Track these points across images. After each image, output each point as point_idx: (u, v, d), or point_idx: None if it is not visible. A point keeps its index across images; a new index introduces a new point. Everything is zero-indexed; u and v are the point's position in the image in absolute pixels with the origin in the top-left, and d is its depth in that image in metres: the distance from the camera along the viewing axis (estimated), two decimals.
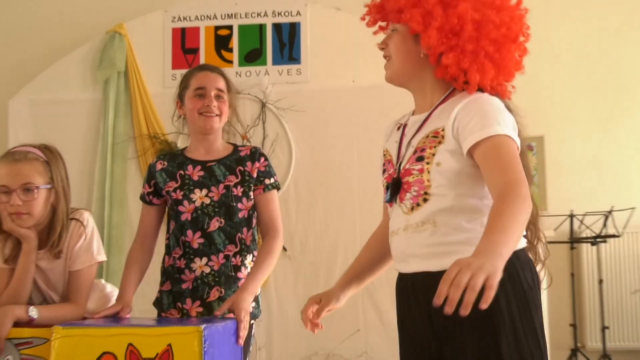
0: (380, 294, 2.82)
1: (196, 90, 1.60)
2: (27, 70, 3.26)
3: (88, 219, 1.55)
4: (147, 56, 3.12)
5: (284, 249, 2.82)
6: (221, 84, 1.65)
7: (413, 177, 1.09)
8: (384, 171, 1.20)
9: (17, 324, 1.36)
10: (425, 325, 1.08)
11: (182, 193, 1.59)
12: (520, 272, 1.02)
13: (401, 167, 1.12)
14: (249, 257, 1.62)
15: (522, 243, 1.06)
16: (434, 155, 1.06)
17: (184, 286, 1.58)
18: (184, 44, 3.12)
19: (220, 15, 3.13)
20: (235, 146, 1.70)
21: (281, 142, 3.02)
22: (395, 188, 1.12)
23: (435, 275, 0.89)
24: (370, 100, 2.92)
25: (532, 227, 1.09)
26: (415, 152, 1.10)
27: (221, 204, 1.58)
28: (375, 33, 1.23)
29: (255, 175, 1.61)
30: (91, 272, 1.56)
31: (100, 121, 3.11)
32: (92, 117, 3.13)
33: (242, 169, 1.61)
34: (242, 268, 1.59)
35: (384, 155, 1.22)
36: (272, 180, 1.64)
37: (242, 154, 1.65)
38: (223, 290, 1.56)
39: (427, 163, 1.06)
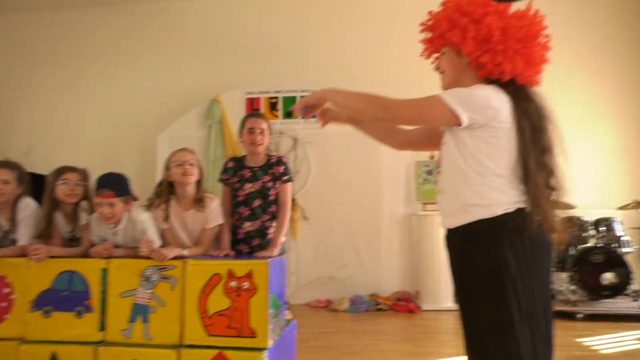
0: (357, 244, 5.17)
1: (249, 129, 2.52)
2: (167, 118, 5.88)
3: (216, 199, 2.41)
4: (232, 112, 5.64)
5: (306, 217, 5.30)
6: (264, 125, 2.55)
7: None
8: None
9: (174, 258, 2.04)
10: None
11: (239, 185, 2.55)
12: (496, 239, 1.28)
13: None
14: (274, 222, 2.54)
15: (499, 211, 1.30)
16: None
17: (239, 237, 2.52)
18: (252, 106, 5.69)
19: (272, 91, 5.69)
20: (269, 157, 2.59)
21: (305, 161, 5.47)
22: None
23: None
24: (354, 137, 5.32)
25: (537, 207, 1.29)
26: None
27: (260, 191, 2.54)
28: (432, 63, 1.53)
29: (278, 174, 2.55)
30: (214, 230, 2.39)
31: (207, 148, 5.69)
32: (202, 145, 5.70)
33: (272, 171, 2.55)
34: (270, 228, 2.53)
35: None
36: (287, 177, 2.56)
37: (272, 160, 2.57)
38: (260, 240, 2.52)
39: None
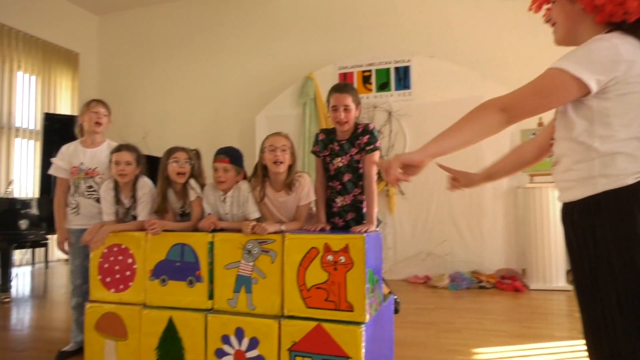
0: (458, 219, 5.01)
1: (332, 107, 2.43)
2: (264, 98, 6.12)
3: (306, 176, 2.44)
4: (325, 89, 5.64)
5: (402, 192, 5.22)
6: (347, 101, 2.39)
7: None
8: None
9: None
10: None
11: (329, 158, 2.50)
12: (625, 212, 1.11)
13: None
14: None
15: (629, 180, 1.11)
16: None
17: (334, 210, 2.52)
18: (345, 81, 5.66)
19: (365, 64, 5.61)
20: (357, 126, 2.47)
21: (400, 134, 5.37)
22: None
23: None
24: (450, 108, 5.11)
25: None
26: None
27: (349, 165, 2.46)
28: (544, 16, 1.35)
29: (363, 144, 2.43)
30: (309, 205, 2.46)
31: (302, 125, 5.82)
32: (298, 123, 5.84)
33: (358, 142, 2.43)
34: (364, 202, 2.48)
35: None
36: (371, 146, 2.42)
37: (358, 131, 2.45)
38: (354, 214, 2.49)
39: None
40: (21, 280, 5.42)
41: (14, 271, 5.40)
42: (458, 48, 5.54)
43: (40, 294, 4.72)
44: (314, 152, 2.57)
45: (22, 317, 3.72)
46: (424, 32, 5.74)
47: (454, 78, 5.20)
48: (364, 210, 2.48)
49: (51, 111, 6.53)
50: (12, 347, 2.91)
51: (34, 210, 4.62)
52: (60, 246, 2.70)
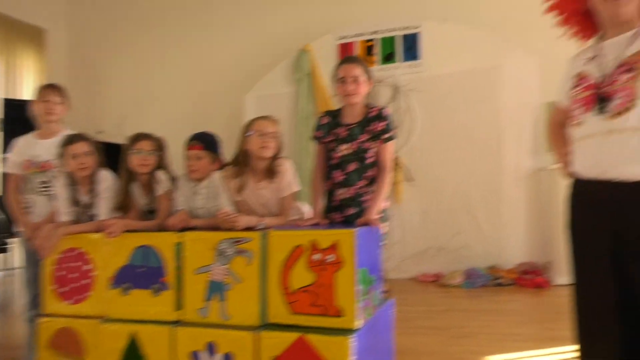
0: (474, 207, 4.92)
1: (340, 79, 2.38)
2: (253, 76, 6.01)
3: (287, 163, 2.35)
4: (324, 63, 5.55)
5: (411, 179, 5.11)
6: (357, 72, 2.35)
7: (617, 86, 1.34)
8: (576, 87, 1.49)
9: (248, 228, 2.08)
10: (605, 227, 1.36)
11: (334, 145, 2.42)
12: None
13: (604, 81, 1.37)
14: (371, 188, 2.38)
15: None
16: None
17: (333, 204, 2.44)
18: (346, 53, 5.53)
19: (367, 32, 5.48)
20: (369, 109, 2.41)
21: (409, 112, 5.22)
22: (601, 97, 1.37)
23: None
24: (467, 80, 5.00)
25: None
26: (622, 65, 1.37)
27: (356, 153, 2.38)
28: None
29: (378, 131, 2.37)
30: (293, 197, 2.34)
31: (296, 105, 5.70)
32: (291, 102, 5.72)
33: (370, 128, 2.38)
34: (366, 195, 2.38)
35: (576, 76, 1.51)
36: (388, 134, 2.38)
37: (371, 114, 2.39)
38: (355, 209, 2.38)
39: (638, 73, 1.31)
40: None
41: None
42: (475, 10, 5.33)
43: None
44: (315, 138, 2.50)
45: None
46: None
47: (471, 45, 5.04)
48: (366, 204, 2.38)
49: (15, 96, 6.46)
50: None
51: None
52: (30, 243, 2.61)
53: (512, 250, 4.76)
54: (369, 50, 5.47)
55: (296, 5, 6.12)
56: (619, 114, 1.34)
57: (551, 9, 1.56)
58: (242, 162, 2.35)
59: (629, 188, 1.34)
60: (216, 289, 2.02)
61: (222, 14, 6.52)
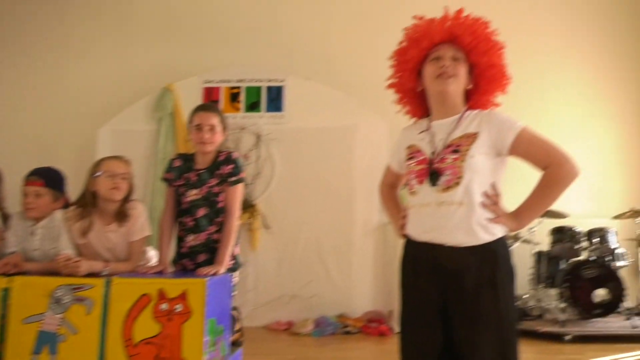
0: (326, 257, 5.09)
1: (196, 126, 2.38)
2: (111, 109, 5.69)
3: (140, 206, 2.37)
4: (187, 104, 5.40)
5: (267, 226, 5.17)
6: (214, 121, 2.37)
7: (446, 164, 1.55)
8: (411, 159, 1.68)
9: (91, 274, 2.00)
10: (433, 284, 1.56)
11: (183, 189, 2.42)
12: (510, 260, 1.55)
13: (435, 158, 1.57)
14: None
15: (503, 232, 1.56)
16: (467, 150, 1.53)
17: (182, 251, 2.42)
18: (210, 97, 5.55)
19: (234, 79, 5.58)
20: (218, 154, 2.43)
21: (269, 161, 5.33)
22: (432, 172, 1.56)
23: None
24: (324, 136, 5.29)
25: None
26: (449, 146, 1.57)
27: (205, 198, 2.39)
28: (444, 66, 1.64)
29: (225, 174, 2.39)
30: (142, 243, 2.35)
31: (155, 144, 5.53)
32: (150, 141, 5.53)
33: (219, 172, 2.39)
34: (218, 242, 2.35)
35: (409, 147, 1.70)
36: (235, 177, 2.39)
37: (220, 159, 2.41)
38: (207, 255, 2.36)
39: (463, 155, 1.52)
40: None
41: None
42: (336, 71, 5.72)
43: None
44: (165, 180, 2.46)
45: None
46: (301, 51, 5.85)
47: (330, 103, 5.38)
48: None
49: None
50: None
51: None
52: None
53: (360, 299, 4.99)
54: (233, 97, 5.56)
55: (164, 42, 6.02)
56: (448, 188, 1.53)
57: (390, 86, 1.77)
58: (89, 203, 2.24)
59: (455, 252, 1.52)
60: (47, 339, 1.86)
61: (80, 39, 6.13)
